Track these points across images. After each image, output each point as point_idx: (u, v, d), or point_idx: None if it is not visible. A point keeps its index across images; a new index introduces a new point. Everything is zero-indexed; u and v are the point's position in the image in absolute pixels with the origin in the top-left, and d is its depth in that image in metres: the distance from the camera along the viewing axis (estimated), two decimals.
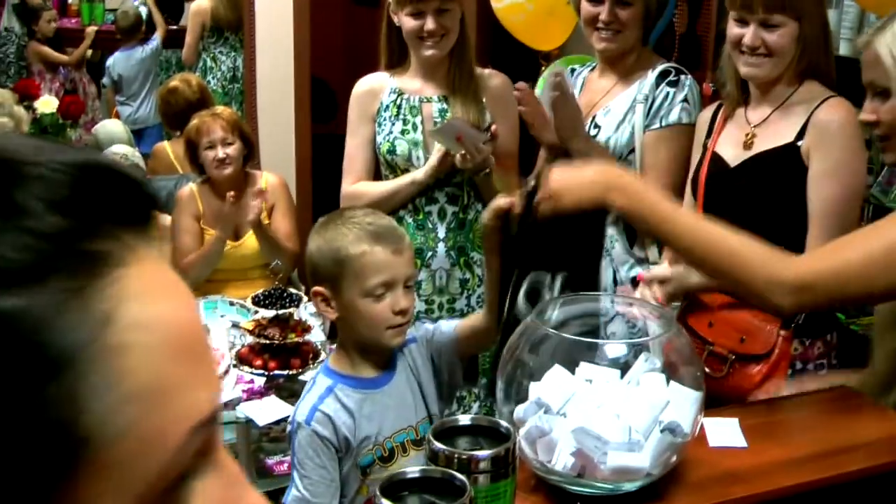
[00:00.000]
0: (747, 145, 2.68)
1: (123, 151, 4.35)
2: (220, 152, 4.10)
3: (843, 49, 3.27)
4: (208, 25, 6.37)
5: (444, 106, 3.26)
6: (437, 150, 3.18)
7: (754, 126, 2.68)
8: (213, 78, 6.41)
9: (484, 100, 3.29)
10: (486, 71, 3.36)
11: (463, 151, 3.10)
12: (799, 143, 2.55)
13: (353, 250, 2.21)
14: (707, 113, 2.88)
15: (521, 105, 3.06)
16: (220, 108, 4.38)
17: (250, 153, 4.28)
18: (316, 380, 2.31)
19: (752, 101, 2.71)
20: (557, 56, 4.22)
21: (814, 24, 2.56)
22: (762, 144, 2.64)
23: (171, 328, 0.59)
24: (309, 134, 5.37)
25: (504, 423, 1.61)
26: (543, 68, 4.25)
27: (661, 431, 1.69)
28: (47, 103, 5.80)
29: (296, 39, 5.24)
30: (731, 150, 2.72)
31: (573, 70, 3.30)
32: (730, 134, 2.75)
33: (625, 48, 3.05)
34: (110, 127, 5.92)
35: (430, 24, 3.12)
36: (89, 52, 7.66)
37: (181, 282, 0.64)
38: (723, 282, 2.16)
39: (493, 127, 3.22)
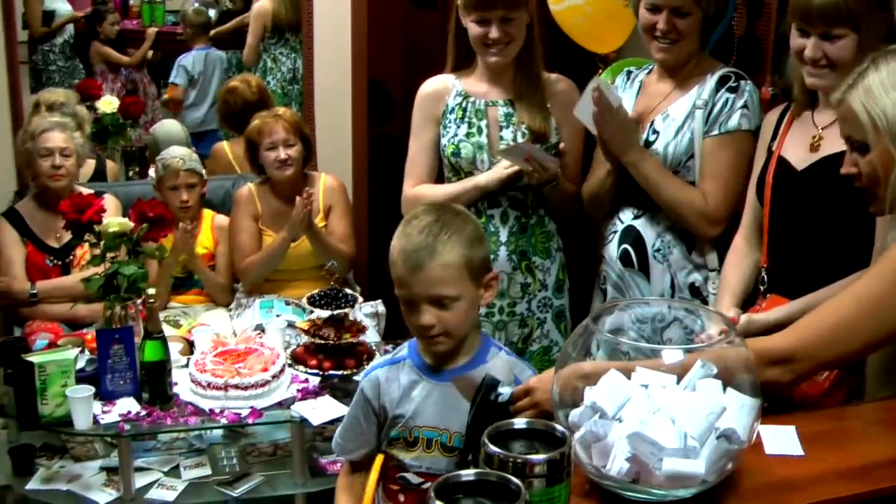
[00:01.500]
0: (814, 148, 2.66)
1: (181, 153, 4.38)
2: (282, 153, 4.14)
3: None
4: (269, 27, 6.40)
5: (510, 110, 3.25)
6: (504, 152, 3.17)
7: (822, 128, 2.67)
8: (272, 79, 6.43)
9: (549, 104, 3.28)
10: (553, 76, 3.35)
11: (531, 169, 3.10)
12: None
13: (390, 257, 2.29)
14: (773, 115, 2.87)
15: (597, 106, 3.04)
16: (281, 110, 4.41)
17: (310, 155, 4.31)
18: (403, 346, 2.43)
19: (820, 103, 2.70)
20: (615, 59, 4.20)
21: (874, 33, 2.53)
22: (830, 147, 2.60)
23: None
24: (366, 135, 5.38)
25: (560, 427, 1.60)
26: (600, 71, 4.23)
27: (717, 438, 1.68)
28: (108, 103, 5.86)
29: (353, 41, 5.25)
30: (797, 152, 2.71)
31: (629, 73, 3.28)
32: (796, 137, 2.74)
33: (682, 57, 3.03)
34: (169, 127, 5.96)
35: (494, 32, 3.12)
36: (150, 53, 7.73)
37: None
38: None
39: (562, 145, 3.22)
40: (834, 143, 2.54)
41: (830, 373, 2.45)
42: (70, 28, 7.19)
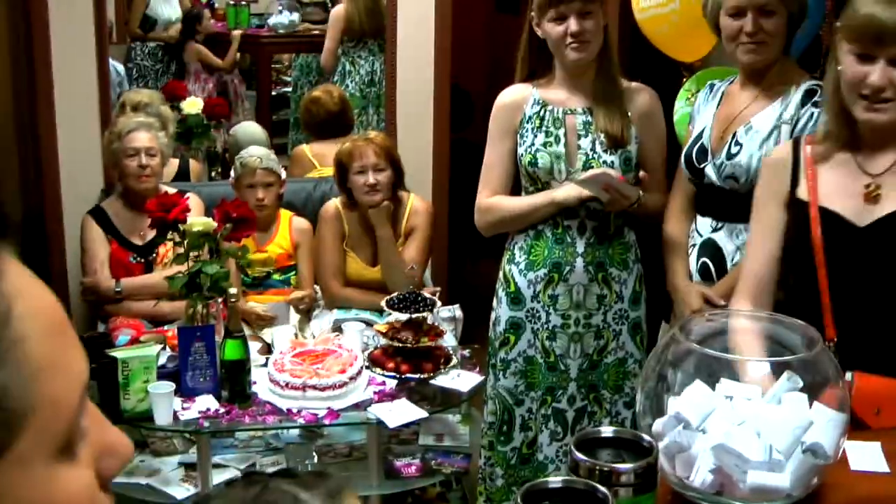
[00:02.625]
0: (871, 198, 2.31)
1: (259, 153, 4.43)
2: (371, 178, 4.14)
3: None
4: (348, 30, 6.46)
5: (588, 118, 3.24)
6: (583, 182, 3.16)
7: (876, 175, 2.33)
8: (351, 82, 6.48)
9: (630, 113, 3.26)
10: (634, 84, 3.34)
11: (609, 198, 3.10)
12: None
13: None
14: (782, 154, 2.53)
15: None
16: (373, 133, 4.42)
17: (400, 180, 4.31)
18: None
19: (866, 145, 2.36)
20: (700, 67, 4.17)
21: None
22: (894, 198, 2.29)
23: (49, 313, 0.75)
24: (448, 140, 5.40)
25: (647, 437, 1.60)
26: (685, 79, 4.20)
27: (804, 452, 1.67)
28: (193, 104, 5.94)
29: (436, 46, 5.27)
30: (848, 204, 2.33)
31: (712, 86, 3.25)
32: (836, 183, 2.36)
33: (770, 58, 2.99)
34: (249, 128, 6.04)
35: (573, 25, 3.11)
36: (239, 55, 7.84)
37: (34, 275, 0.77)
38: None
39: (642, 174, 3.20)
40: None
41: None
42: (171, 31, 7.34)
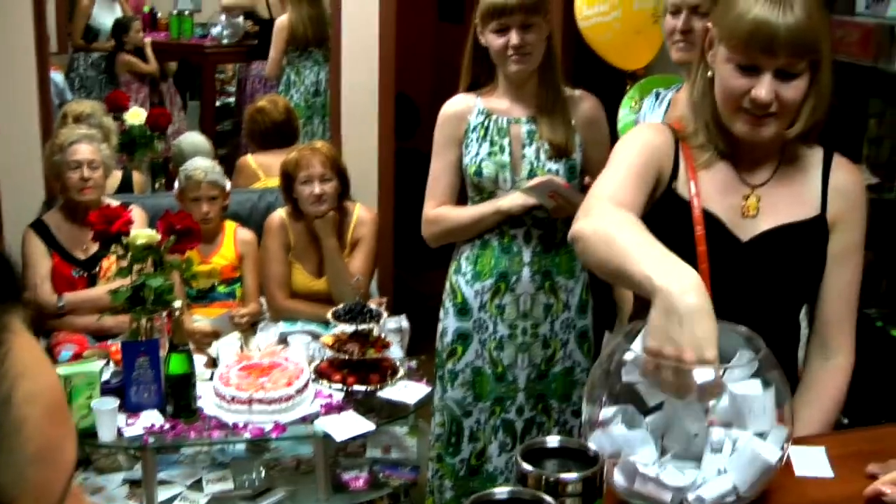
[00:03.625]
0: (749, 213, 2.16)
1: (204, 165, 4.40)
2: (317, 188, 4.13)
3: None
4: (292, 40, 6.44)
5: (533, 127, 3.24)
6: (529, 190, 3.16)
7: (756, 187, 2.17)
8: (296, 92, 6.47)
9: (574, 121, 3.27)
10: (577, 92, 3.34)
11: (556, 206, 3.10)
12: (825, 214, 2.17)
13: None
14: (661, 138, 2.21)
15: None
16: (319, 143, 4.41)
17: (346, 191, 4.30)
18: None
19: (742, 153, 2.18)
20: (643, 75, 4.19)
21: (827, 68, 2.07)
22: (772, 216, 2.16)
23: (50, 396, 0.72)
24: (392, 149, 5.40)
25: (593, 447, 1.59)
26: (628, 87, 4.22)
27: (748, 458, 1.67)
28: (136, 115, 5.89)
29: (381, 54, 5.27)
30: (729, 214, 2.16)
31: (657, 94, 3.26)
32: (716, 188, 2.17)
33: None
34: (193, 138, 5.99)
35: (514, 38, 3.11)
36: (172, 64, 7.80)
37: (42, 348, 0.74)
38: None
39: (587, 179, 3.20)
40: (781, 210, 2.17)
41: None
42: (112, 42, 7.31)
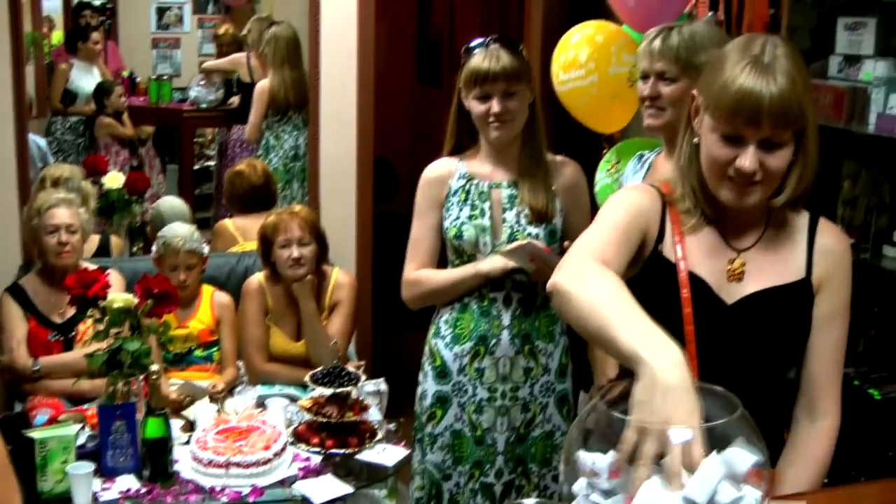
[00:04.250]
0: (735, 276, 2.18)
1: (183, 233, 4.39)
2: (296, 251, 4.13)
3: None
4: (273, 104, 6.47)
5: (514, 191, 3.26)
6: (508, 253, 3.17)
7: (742, 251, 2.20)
8: (275, 156, 6.48)
9: (554, 187, 3.29)
10: (558, 158, 3.36)
11: (535, 269, 3.11)
12: (810, 278, 2.19)
13: None
14: (647, 202, 2.21)
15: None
16: (297, 207, 4.41)
17: (324, 254, 4.30)
18: None
19: (728, 219, 2.19)
20: (620, 138, 4.23)
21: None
22: (757, 279, 2.18)
23: None
24: (371, 213, 5.42)
25: None
26: (605, 150, 4.25)
27: None
28: (114, 178, 5.89)
29: (359, 118, 5.30)
30: (715, 277, 2.18)
31: (641, 156, 3.29)
32: (703, 251, 2.19)
33: (670, 125, 2.92)
34: (171, 202, 5.99)
35: (496, 106, 3.14)
36: (148, 127, 7.84)
37: None
38: None
39: (567, 243, 3.22)
40: (766, 274, 2.19)
41: None
42: (92, 105, 7.32)
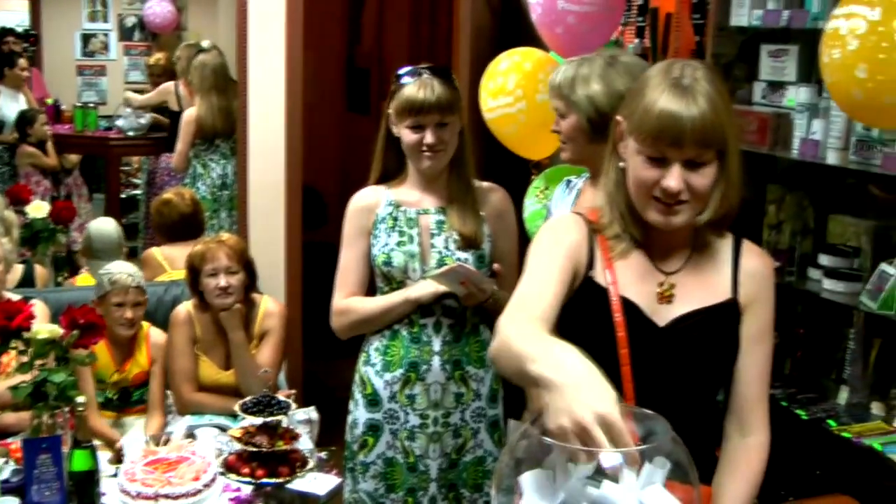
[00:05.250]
0: (665, 298, 2.23)
1: (129, 270, 4.32)
2: (223, 280, 4.10)
3: (831, 158, 3.31)
4: (200, 132, 6.43)
5: (442, 217, 3.27)
6: (439, 277, 3.17)
7: (670, 274, 2.25)
8: (202, 184, 6.45)
9: (483, 213, 3.30)
10: (486, 184, 3.38)
11: (466, 293, 3.12)
12: (737, 298, 2.25)
13: None
14: (575, 230, 2.28)
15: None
16: (225, 236, 4.37)
17: (253, 283, 4.27)
18: None
19: (654, 243, 2.25)
20: (548, 165, 4.26)
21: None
22: (686, 300, 2.23)
23: None
24: (300, 241, 5.40)
25: None
26: (533, 177, 4.28)
27: None
28: (38, 208, 5.80)
29: (287, 146, 5.29)
30: (645, 299, 2.23)
31: (569, 181, 3.32)
32: (632, 275, 2.24)
33: (573, 158, 3.05)
34: (102, 224, 5.91)
35: (429, 137, 3.15)
36: (73, 156, 7.75)
37: None
38: None
39: (496, 266, 3.23)
40: (694, 295, 2.24)
41: None
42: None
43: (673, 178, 2.05)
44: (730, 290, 2.25)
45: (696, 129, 2.01)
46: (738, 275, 2.26)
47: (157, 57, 8.13)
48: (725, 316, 2.24)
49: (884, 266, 3.21)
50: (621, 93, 2.72)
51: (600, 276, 2.22)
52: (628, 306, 2.20)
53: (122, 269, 4.30)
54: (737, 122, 2.14)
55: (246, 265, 4.18)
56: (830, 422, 3.31)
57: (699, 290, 2.24)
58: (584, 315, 2.17)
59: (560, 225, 2.34)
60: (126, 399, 4.32)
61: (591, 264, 2.23)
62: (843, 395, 3.47)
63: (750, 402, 2.28)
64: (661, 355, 2.18)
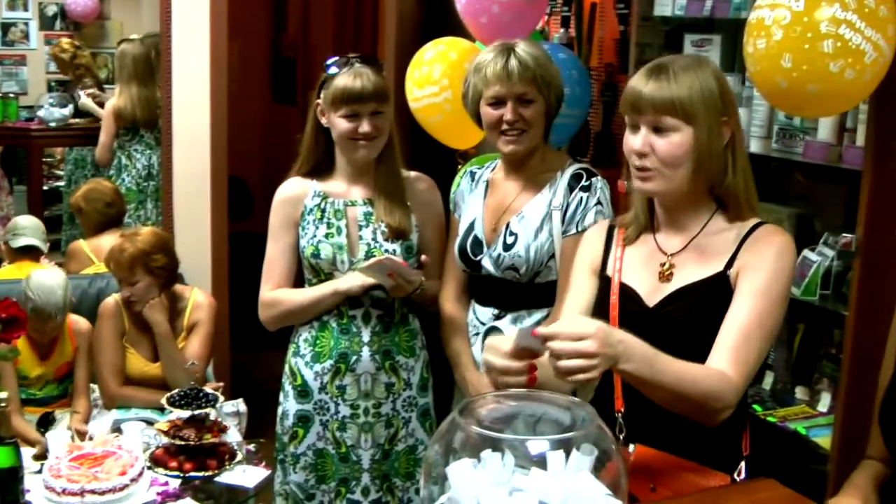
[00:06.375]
0: (665, 277, 2.38)
1: (56, 302, 4.18)
2: (125, 291, 4.11)
3: (754, 147, 3.35)
4: (122, 122, 6.35)
5: (369, 209, 3.26)
6: (367, 269, 3.16)
7: (672, 255, 2.40)
8: (127, 175, 6.37)
9: (410, 203, 3.30)
10: (412, 174, 3.38)
11: (394, 284, 3.11)
12: (728, 272, 2.31)
13: None
14: (597, 235, 2.57)
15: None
16: (142, 231, 4.26)
17: (170, 278, 4.23)
18: None
19: (662, 225, 2.44)
20: (474, 154, 4.26)
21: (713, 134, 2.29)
22: (683, 277, 2.36)
23: None
24: (226, 232, 5.36)
25: None
26: (460, 166, 4.28)
27: None
28: None
29: (213, 136, 5.24)
30: (644, 282, 2.41)
31: (472, 174, 3.32)
32: (638, 261, 2.44)
33: (531, 146, 3.08)
34: (23, 222, 5.82)
35: (365, 126, 3.14)
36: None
37: None
38: (686, 405, 2.19)
39: (423, 258, 3.23)
40: (689, 272, 2.35)
41: None
42: None
43: (638, 140, 2.29)
44: (724, 264, 2.32)
45: (651, 96, 2.25)
46: (738, 250, 2.32)
47: (64, 44, 7.97)
48: (714, 290, 2.30)
49: (806, 253, 3.26)
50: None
51: (610, 267, 2.45)
52: (626, 290, 2.39)
53: (48, 302, 4.17)
54: (713, 103, 2.28)
55: (149, 269, 4.10)
56: (756, 406, 3.36)
57: (696, 267, 2.34)
58: (597, 306, 2.44)
59: (584, 241, 2.62)
60: (45, 399, 4.26)
61: (605, 262, 2.48)
62: (768, 381, 3.52)
63: (722, 348, 2.24)
64: (648, 333, 2.20)
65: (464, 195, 3.29)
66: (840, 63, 2.57)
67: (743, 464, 2.37)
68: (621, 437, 2.34)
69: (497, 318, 3.14)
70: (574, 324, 2.04)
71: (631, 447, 2.33)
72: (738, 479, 2.34)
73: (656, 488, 2.29)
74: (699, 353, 2.26)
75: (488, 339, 2.20)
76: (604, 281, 2.47)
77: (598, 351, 1.95)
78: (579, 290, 2.53)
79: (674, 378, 2.13)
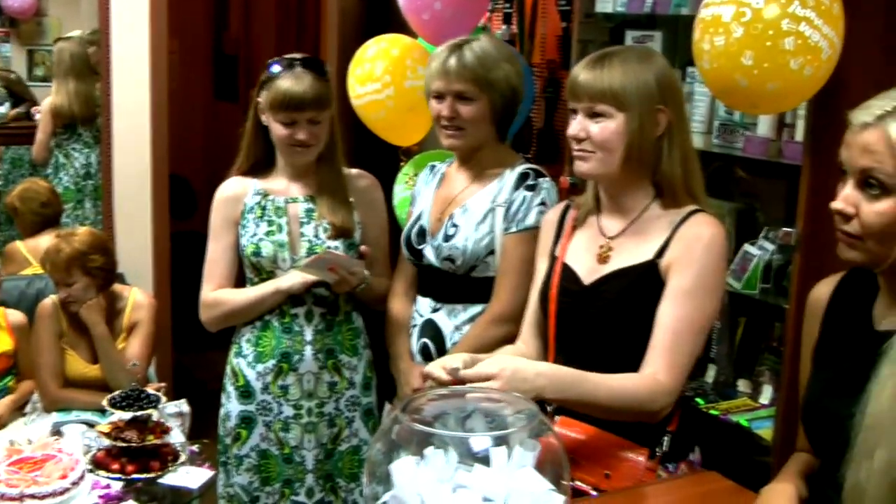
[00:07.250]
0: (602, 259, 2.50)
1: None
2: (62, 293, 4.07)
3: (695, 142, 3.36)
4: (59, 119, 6.27)
5: (311, 206, 3.25)
6: (307, 267, 3.15)
7: (610, 237, 2.52)
8: (65, 174, 6.28)
9: (352, 200, 3.28)
10: (354, 171, 3.37)
11: (337, 279, 3.10)
12: (658, 261, 2.39)
13: None
14: (553, 215, 2.72)
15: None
16: (78, 232, 4.20)
17: (108, 279, 4.18)
18: None
19: (605, 209, 2.57)
20: (417, 151, 4.26)
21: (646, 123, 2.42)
22: (620, 260, 2.47)
23: None
24: (168, 231, 5.31)
25: None
26: (402, 163, 4.28)
27: None
28: None
29: (153, 134, 5.19)
30: (584, 262, 2.53)
31: (433, 166, 3.32)
32: (581, 243, 2.57)
33: (472, 144, 3.08)
34: None
35: (301, 134, 3.13)
36: None
37: None
38: (623, 416, 2.32)
39: (363, 248, 3.22)
40: (624, 256, 2.46)
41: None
42: None
43: (576, 125, 2.45)
44: (655, 253, 2.41)
45: (585, 83, 2.41)
46: (670, 240, 2.41)
47: None
48: (645, 277, 2.40)
49: (747, 247, 3.29)
50: (520, 72, 3.07)
51: (559, 248, 2.60)
52: (567, 269, 2.53)
53: None
54: (647, 92, 2.40)
55: (87, 270, 4.05)
56: (699, 399, 3.38)
57: (631, 251, 2.45)
58: (543, 284, 2.60)
59: (542, 225, 2.77)
60: None
61: (556, 244, 2.63)
62: (711, 374, 3.54)
63: (654, 349, 2.34)
64: (582, 311, 2.46)
65: (421, 188, 3.28)
66: (800, 60, 2.61)
67: (666, 438, 2.42)
68: (549, 409, 2.45)
69: (434, 310, 3.13)
70: (483, 365, 2.14)
71: (556, 418, 2.42)
72: (658, 453, 2.40)
73: (576, 460, 2.33)
74: (632, 330, 2.39)
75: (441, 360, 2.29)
76: (552, 259, 2.61)
77: (504, 389, 2.04)
78: (539, 274, 2.66)
79: (606, 395, 2.25)
